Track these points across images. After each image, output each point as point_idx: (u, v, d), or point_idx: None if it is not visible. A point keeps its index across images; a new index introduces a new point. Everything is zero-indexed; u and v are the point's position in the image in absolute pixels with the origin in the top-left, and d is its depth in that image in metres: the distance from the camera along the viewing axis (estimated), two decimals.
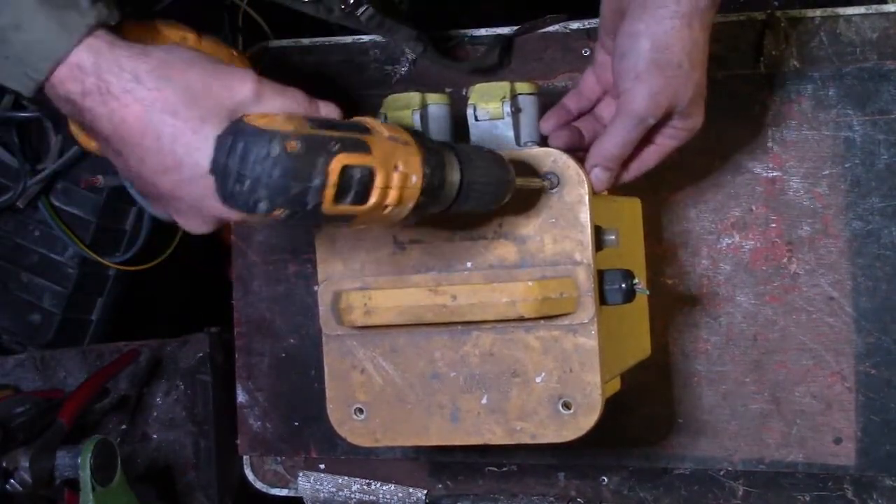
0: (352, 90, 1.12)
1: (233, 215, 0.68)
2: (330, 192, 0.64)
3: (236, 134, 0.64)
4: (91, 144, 0.84)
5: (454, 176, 0.70)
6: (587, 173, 0.82)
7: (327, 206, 0.64)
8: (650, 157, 0.87)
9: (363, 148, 0.65)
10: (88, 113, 0.68)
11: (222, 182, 0.65)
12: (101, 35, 0.68)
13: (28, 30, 0.67)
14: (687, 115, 0.84)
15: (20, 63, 0.68)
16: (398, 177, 0.66)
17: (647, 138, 0.86)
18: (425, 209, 0.70)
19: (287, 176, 0.62)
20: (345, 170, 0.64)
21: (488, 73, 1.08)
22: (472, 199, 0.72)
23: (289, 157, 0.62)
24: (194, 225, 0.72)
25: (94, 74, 0.67)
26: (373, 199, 0.66)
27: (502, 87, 0.85)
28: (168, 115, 0.67)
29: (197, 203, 0.69)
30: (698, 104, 0.84)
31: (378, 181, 0.65)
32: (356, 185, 0.65)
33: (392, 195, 0.66)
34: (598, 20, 1.04)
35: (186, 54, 0.69)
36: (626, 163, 0.86)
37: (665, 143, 0.87)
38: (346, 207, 0.65)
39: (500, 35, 1.08)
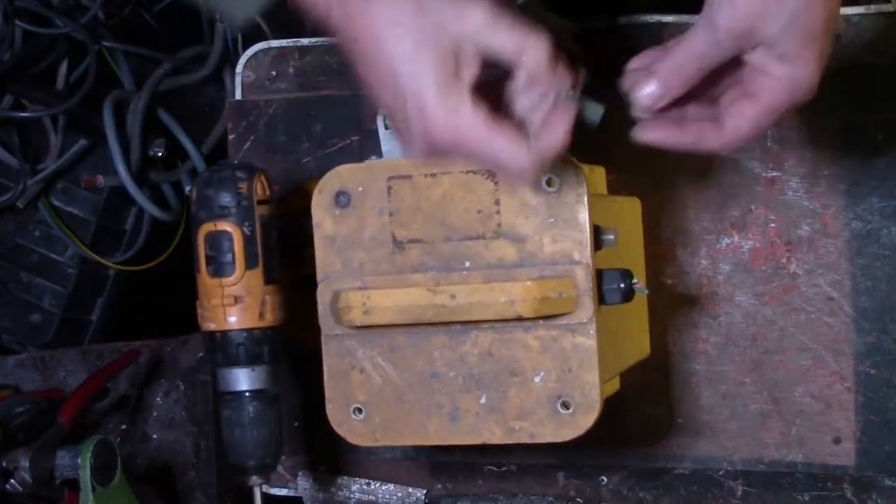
0: (351, 90, 1.12)
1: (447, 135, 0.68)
2: None
3: None
4: None
5: None
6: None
7: None
8: (749, 115, 0.71)
9: None
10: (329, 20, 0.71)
11: None
12: None
13: None
14: (782, 55, 0.68)
15: None
16: None
17: (742, 90, 0.71)
18: None
19: None
20: None
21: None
22: None
23: None
24: (413, 148, 0.71)
25: None
26: None
27: None
28: (394, 26, 0.68)
29: (407, 121, 0.69)
30: (801, 45, 0.67)
31: None
32: None
33: None
34: (597, 20, 1.05)
35: None
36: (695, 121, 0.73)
37: (763, 95, 0.70)
38: None
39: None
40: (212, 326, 0.96)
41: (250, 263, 0.95)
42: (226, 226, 0.94)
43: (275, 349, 0.97)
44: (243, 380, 0.96)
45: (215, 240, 0.94)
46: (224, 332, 0.96)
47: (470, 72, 0.68)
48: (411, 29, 0.67)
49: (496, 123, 0.69)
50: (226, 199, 0.94)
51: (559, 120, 0.70)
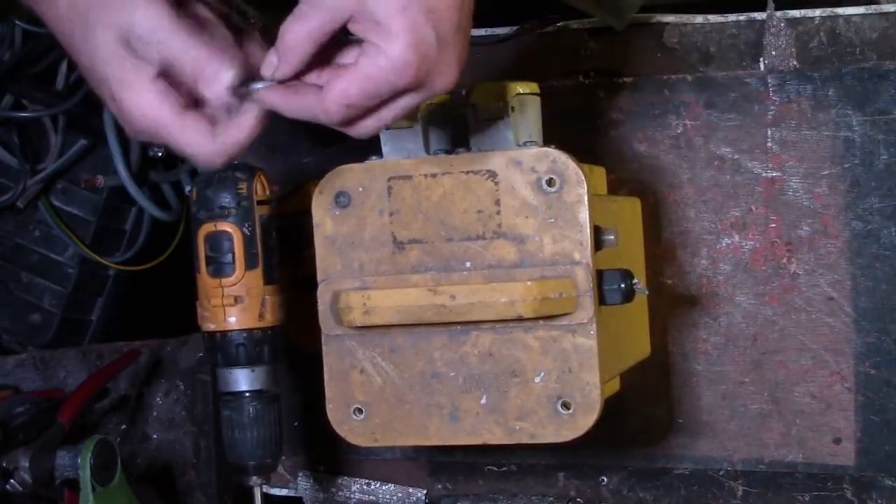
0: None
1: None
2: None
3: None
4: None
5: None
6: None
7: None
8: (345, 79, 0.69)
9: None
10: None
11: None
12: None
13: None
14: (376, 24, 0.67)
15: None
16: None
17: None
18: None
19: None
20: None
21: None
22: None
23: None
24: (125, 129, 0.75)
25: None
26: None
27: (502, 87, 0.85)
28: (72, 20, 0.71)
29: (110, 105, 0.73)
30: (392, 13, 0.67)
31: None
32: None
33: None
34: (597, 20, 1.05)
35: None
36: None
37: (359, 63, 0.68)
38: None
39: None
40: (211, 327, 0.96)
41: (250, 264, 0.95)
42: (226, 226, 0.94)
43: (274, 349, 0.97)
44: (243, 380, 0.97)
45: (215, 240, 0.94)
46: (224, 333, 0.96)
47: (149, 63, 0.70)
48: (87, 24, 0.70)
49: (185, 117, 0.71)
50: (226, 199, 0.94)
51: (243, 120, 0.72)
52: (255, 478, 0.98)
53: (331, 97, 0.69)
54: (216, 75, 0.71)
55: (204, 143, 0.72)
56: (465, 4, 0.70)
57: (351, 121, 0.71)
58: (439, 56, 0.69)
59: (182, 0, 0.73)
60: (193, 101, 0.72)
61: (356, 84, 0.69)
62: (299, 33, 0.69)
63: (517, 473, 1.10)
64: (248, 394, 0.97)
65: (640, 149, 1.05)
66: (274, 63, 0.70)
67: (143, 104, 0.71)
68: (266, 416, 0.97)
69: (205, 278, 0.95)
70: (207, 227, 0.94)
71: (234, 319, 0.95)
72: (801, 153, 1.00)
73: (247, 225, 0.94)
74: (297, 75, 0.71)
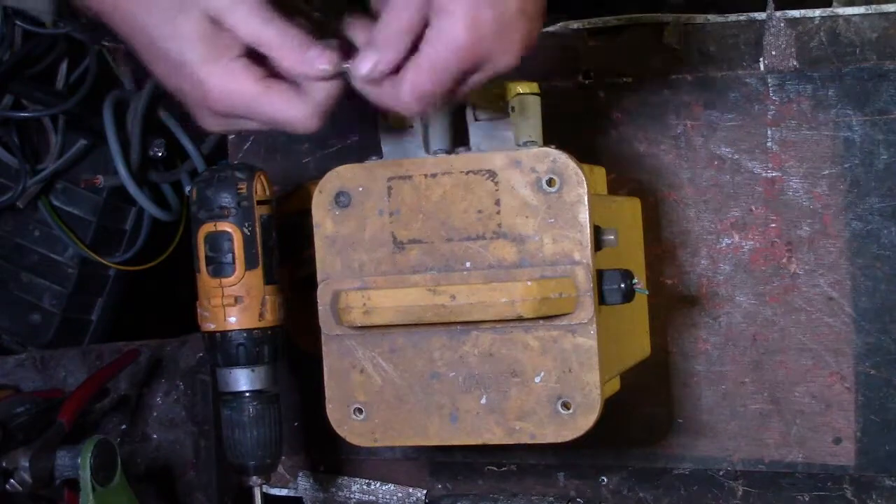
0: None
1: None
2: None
3: None
4: None
5: None
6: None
7: None
8: (417, 67, 0.71)
9: None
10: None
11: None
12: None
13: None
14: (437, 7, 0.69)
15: None
16: None
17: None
18: None
19: None
20: None
21: None
22: None
23: None
24: (201, 120, 0.76)
25: None
26: None
27: (502, 87, 0.85)
28: (150, 10, 0.72)
29: (189, 94, 0.74)
30: (460, 7, 0.69)
31: None
32: None
33: None
34: (597, 20, 1.05)
35: None
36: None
37: (425, 49, 0.71)
38: None
39: None
40: (211, 327, 0.96)
41: (250, 264, 0.95)
42: (226, 226, 0.94)
43: (275, 349, 0.98)
44: (243, 380, 0.97)
45: (215, 240, 0.94)
46: (224, 333, 0.96)
47: (234, 41, 0.72)
48: (165, 8, 0.71)
49: (270, 84, 0.73)
50: (226, 199, 0.95)
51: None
52: (255, 478, 0.99)
53: (405, 94, 0.72)
54: (313, 61, 0.72)
55: (295, 106, 0.73)
56: None
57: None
58: (499, 37, 0.71)
59: None
60: (272, 73, 0.73)
61: (429, 69, 0.71)
62: (395, 28, 0.70)
63: (517, 473, 1.10)
64: (248, 394, 0.97)
65: (640, 149, 1.05)
66: (372, 60, 0.71)
67: (228, 79, 0.72)
68: (266, 416, 0.97)
69: (205, 278, 0.95)
70: (207, 227, 0.95)
71: (235, 319, 0.95)
72: (801, 153, 1.00)
73: (247, 225, 0.95)
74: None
